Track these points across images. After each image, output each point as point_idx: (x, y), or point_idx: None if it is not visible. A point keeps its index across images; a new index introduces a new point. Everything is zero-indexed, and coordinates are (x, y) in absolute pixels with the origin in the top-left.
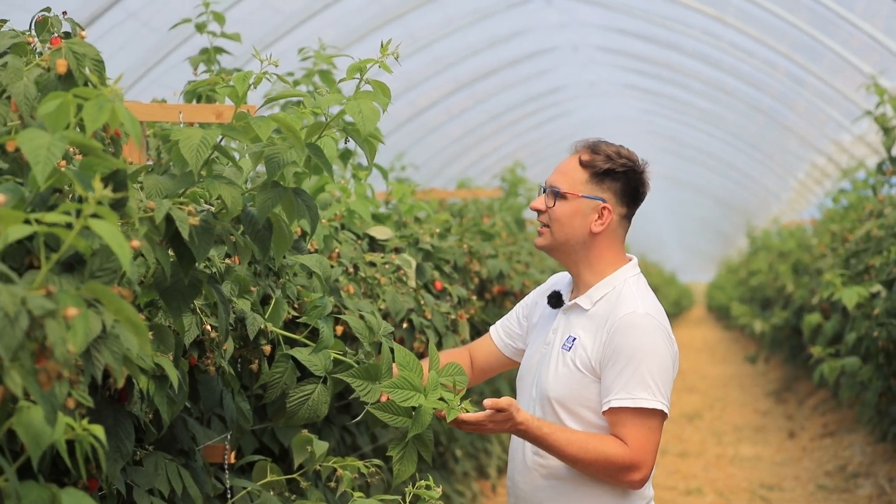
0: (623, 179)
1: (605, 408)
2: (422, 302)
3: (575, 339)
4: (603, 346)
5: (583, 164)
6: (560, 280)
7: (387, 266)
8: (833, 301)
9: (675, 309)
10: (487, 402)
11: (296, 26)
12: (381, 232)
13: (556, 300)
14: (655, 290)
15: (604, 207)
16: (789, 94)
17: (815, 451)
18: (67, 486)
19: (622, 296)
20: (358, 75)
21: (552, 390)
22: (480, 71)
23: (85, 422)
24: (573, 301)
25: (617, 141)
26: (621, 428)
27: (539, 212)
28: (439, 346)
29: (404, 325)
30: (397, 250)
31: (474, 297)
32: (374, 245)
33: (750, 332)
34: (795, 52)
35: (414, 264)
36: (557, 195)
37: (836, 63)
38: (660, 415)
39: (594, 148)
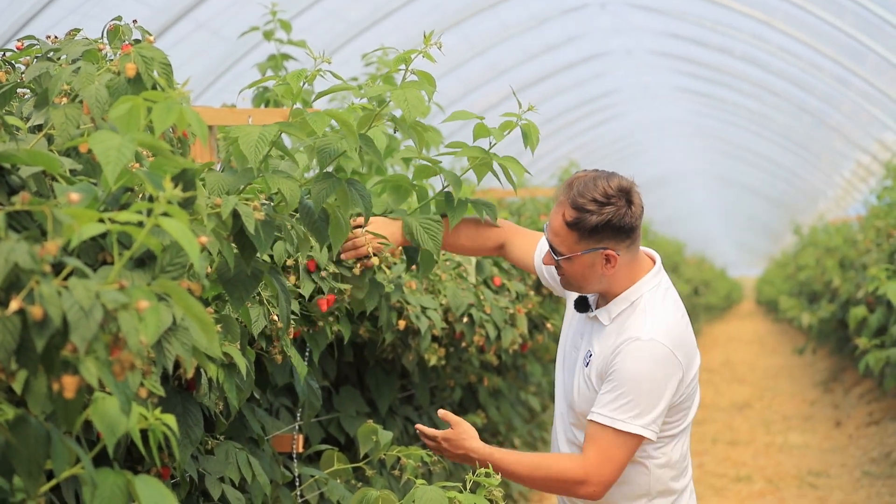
0: (612, 224)
1: (588, 417)
2: (481, 297)
3: (592, 354)
4: (606, 365)
5: (569, 225)
6: None
7: (447, 263)
8: (878, 295)
9: (726, 303)
10: (442, 413)
11: (359, 33)
12: None
13: (582, 306)
14: (706, 284)
15: (607, 254)
16: (835, 94)
17: (861, 438)
18: (141, 473)
19: (635, 314)
20: (403, 66)
21: (577, 405)
22: (536, 76)
23: (157, 411)
24: (594, 313)
25: (668, 141)
26: (591, 441)
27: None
28: (498, 338)
29: (465, 320)
30: None
31: (532, 293)
32: None
33: (798, 325)
34: (840, 54)
35: (474, 261)
36: (559, 258)
37: (880, 64)
38: (636, 437)
39: (574, 203)
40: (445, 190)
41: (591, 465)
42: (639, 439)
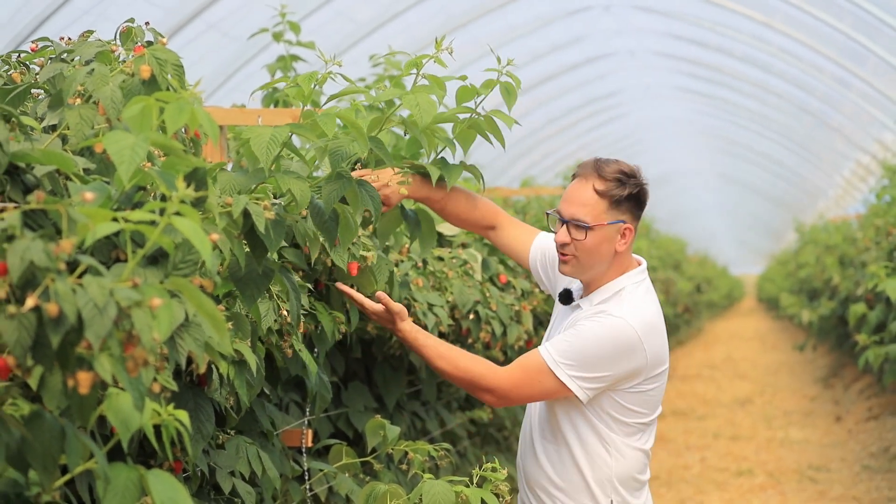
0: (635, 198)
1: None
2: (487, 294)
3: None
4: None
5: (600, 193)
6: None
7: (454, 260)
8: (877, 292)
9: (727, 300)
10: (380, 294)
11: (367, 35)
12: (448, 228)
13: (566, 298)
14: (708, 282)
15: (626, 228)
16: (835, 95)
17: (861, 433)
18: (154, 468)
19: (615, 299)
20: (415, 70)
21: None
22: (541, 76)
23: (170, 407)
24: (577, 302)
25: (670, 141)
26: (522, 363)
27: (564, 244)
28: (503, 334)
29: (471, 317)
30: (464, 245)
31: (537, 290)
32: (442, 240)
33: (798, 322)
34: (841, 55)
35: (480, 258)
36: (586, 228)
37: (880, 66)
38: (562, 385)
39: (602, 173)
40: (440, 156)
41: (506, 381)
42: (563, 388)
